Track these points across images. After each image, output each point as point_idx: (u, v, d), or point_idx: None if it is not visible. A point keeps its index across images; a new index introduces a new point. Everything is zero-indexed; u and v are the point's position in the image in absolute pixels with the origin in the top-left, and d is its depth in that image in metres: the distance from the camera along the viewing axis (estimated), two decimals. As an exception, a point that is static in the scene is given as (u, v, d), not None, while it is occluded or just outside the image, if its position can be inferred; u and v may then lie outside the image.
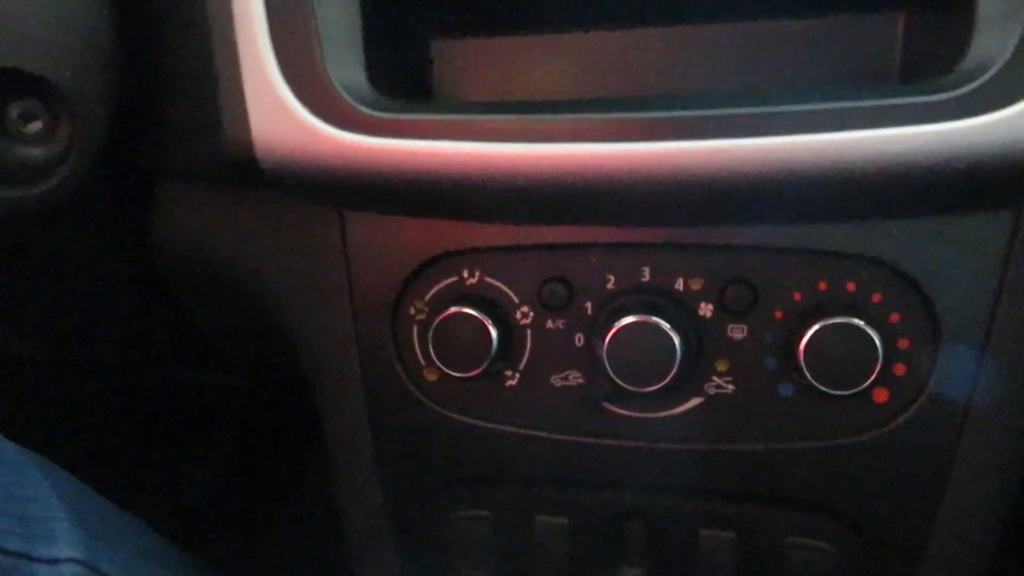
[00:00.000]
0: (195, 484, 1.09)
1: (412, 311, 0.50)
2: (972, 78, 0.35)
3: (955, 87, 0.36)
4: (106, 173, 0.54)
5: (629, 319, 0.44)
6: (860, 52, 0.46)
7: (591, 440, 0.48)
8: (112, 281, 0.60)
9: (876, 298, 0.44)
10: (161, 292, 0.60)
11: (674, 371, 0.44)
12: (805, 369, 0.43)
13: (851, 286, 0.44)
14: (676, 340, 0.44)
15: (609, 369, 0.44)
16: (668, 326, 0.44)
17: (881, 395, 0.45)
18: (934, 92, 0.36)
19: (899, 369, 0.44)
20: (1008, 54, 0.35)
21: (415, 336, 0.50)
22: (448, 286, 0.49)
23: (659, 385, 0.44)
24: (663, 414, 0.47)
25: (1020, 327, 0.43)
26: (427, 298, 0.49)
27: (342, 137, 0.41)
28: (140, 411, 0.99)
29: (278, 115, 0.42)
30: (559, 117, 0.40)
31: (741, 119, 0.39)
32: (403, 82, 0.49)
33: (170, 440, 1.09)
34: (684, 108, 0.40)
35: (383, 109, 0.42)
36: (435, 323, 0.47)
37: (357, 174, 0.42)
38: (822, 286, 0.45)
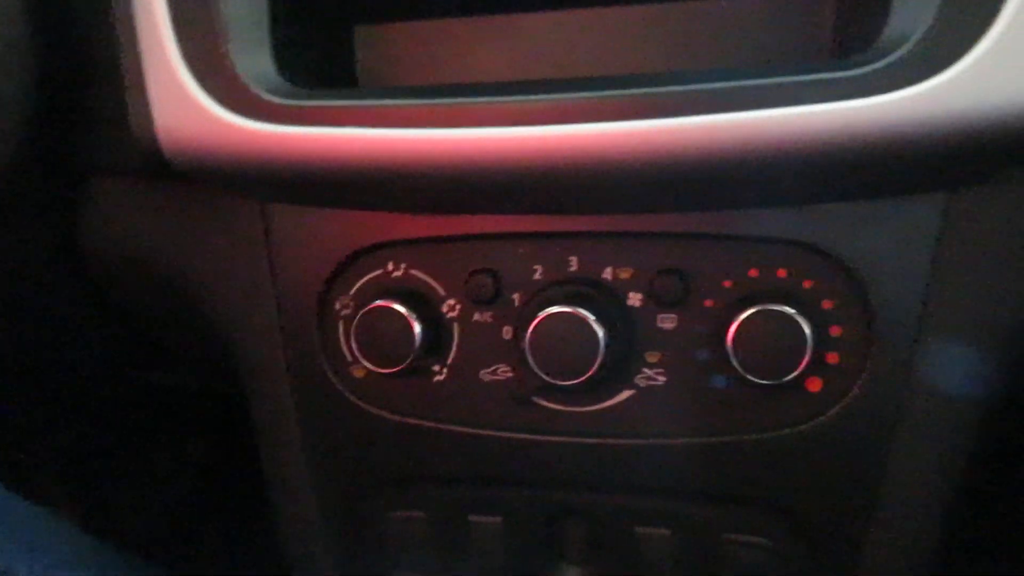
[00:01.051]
0: (169, 486, 1.08)
1: (338, 306, 0.48)
2: (885, 54, 0.34)
3: (868, 63, 0.34)
4: (33, 170, 0.53)
5: (551, 310, 0.42)
6: (794, 31, 0.45)
7: (522, 436, 0.47)
8: (48, 280, 0.58)
9: (808, 284, 0.43)
10: (97, 291, 0.59)
11: (598, 363, 0.42)
12: (733, 359, 0.42)
13: (782, 273, 0.43)
14: (600, 331, 0.42)
15: (532, 362, 0.43)
16: (592, 317, 0.42)
17: (815, 384, 0.43)
18: (847, 68, 0.34)
19: (832, 358, 0.43)
20: (922, 28, 0.33)
21: (341, 332, 0.48)
22: (374, 279, 0.48)
23: (584, 377, 0.42)
24: (594, 408, 0.46)
25: (954, 312, 0.41)
26: (353, 292, 0.48)
27: (245, 125, 0.40)
28: (111, 412, 0.98)
29: (180, 104, 0.41)
30: (468, 101, 0.39)
31: (658, 100, 0.37)
32: (324, 71, 0.48)
33: (142, 442, 1.07)
34: (601, 89, 0.38)
35: (287, 96, 0.40)
36: (357, 318, 0.46)
37: (262, 164, 0.41)
38: (753, 273, 0.43)
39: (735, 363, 0.42)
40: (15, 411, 0.83)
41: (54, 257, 0.56)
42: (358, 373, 0.49)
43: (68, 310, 0.60)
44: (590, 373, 0.42)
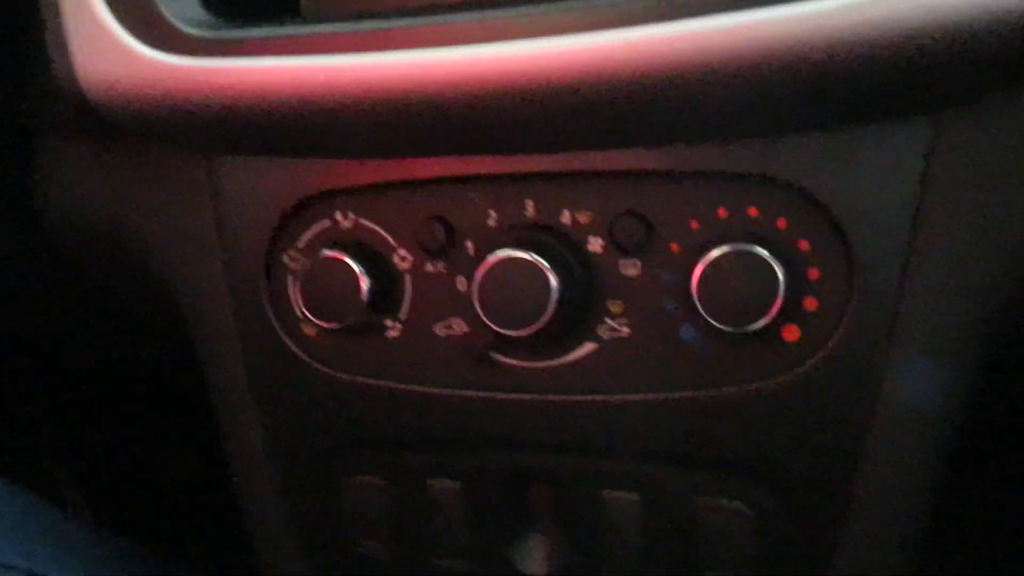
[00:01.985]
0: (168, 464, 1.07)
1: (287, 260, 0.46)
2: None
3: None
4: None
5: (499, 255, 0.39)
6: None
7: (480, 394, 0.44)
8: (5, 245, 0.57)
9: (782, 223, 0.39)
10: (60, 259, 0.57)
11: (551, 312, 0.39)
12: (699, 304, 0.38)
13: (753, 211, 0.39)
14: (552, 278, 0.39)
15: (481, 312, 0.40)
16: (544, 263, 0.39)
17: (791, 333, 0.40)
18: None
19: (810, 303, 0.39)
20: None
21: (291, 287, 0.46)
22: (323, 231, 0.45)
23: (536, 328, 0.39)
24: (555, 363, 0.43)
25: (943, 251, 0.37)
26: (301, 245, 0.45)
27: (165, 60, 0.37)
28: (98, 392, 0.97)
29: (99, 43, 0.38)
30: (394, 23, 0.35)
31: (600, 11, 0.34)
32: (267, 9, 0.45)
33: (144, 422, 1.07)
34: (540, 4, 0.35)
35: (208, 28, 0.37)
36: (302, 270, 0.43)
37: (187, 103, 0.38)
38: (721, 213, 0.40)
39: (701, 310, 0.38)
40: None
41: (10, 221, 0.55)
42: (309, 331, 0.46)
43: (30, 279, 0.59)
44: (543, 323, 0.39)
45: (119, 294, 0.60)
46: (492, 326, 0.40)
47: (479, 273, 0.39)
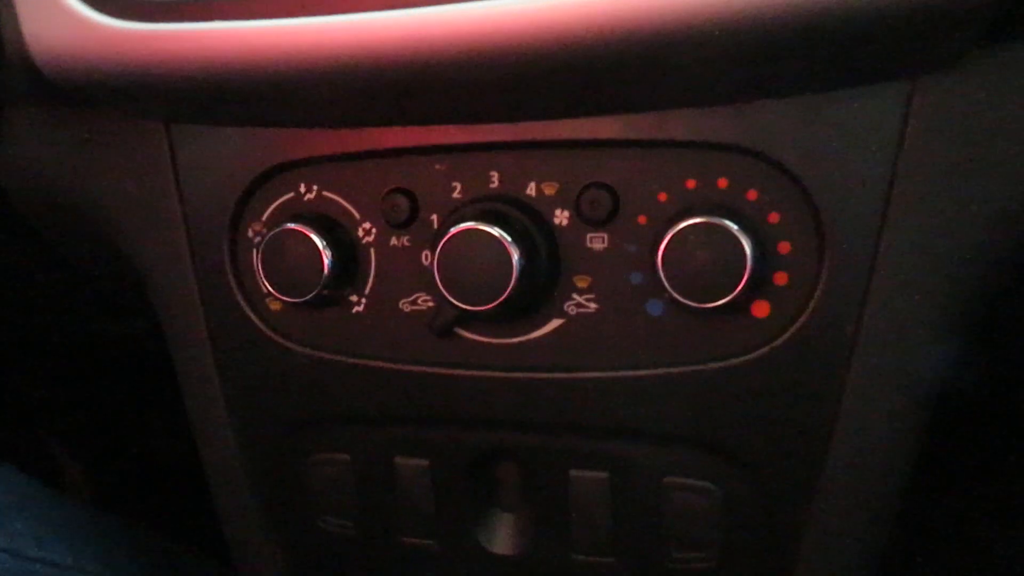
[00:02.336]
0: (165, 439, 1.07)
1: (251, 233, 0.45)
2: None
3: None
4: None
5: (459, 227, 0.38)
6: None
7: (446, 371, 0.43)
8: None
9: (752, 196, 0.38)
10: (25, 230, 0.56)
11: (512, 286, 0.38)
12: (664, 279, 0.37)
13: (723, 183, 0.38)
14: (514, 252, 0.38)
15: (441, 285, 0.39)
16: (506, 236, 0.38)
17: (761, 309, 0.39)
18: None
19: (780, 278, 0.38)
20: None
21: (255, 261, 0.45)
22: (286, 203, 0.44)
23: (496, 303, 0.38)
24: (521, 339, 0.42)
25: (916, 226, 0.36)
26: (264, 218, 0.44)
27: (110, 25, 0.36)
28: (86, 367, 0.97)
29: (48, 9, 0.37)
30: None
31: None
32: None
33: (136, 397, 1.07)
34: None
35: (155, -9, 0.36)
36: (263, 243, 0.42)
37: (134, 68, 0.37)
38: (690, 184, 0.38)
39: (666, 284, 0.37)
40: None
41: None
42: (274, 305, 0.45)
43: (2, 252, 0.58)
44: (504, 297, 0.38)
45: (86, 266, 0.59)
46: (453, 301, 0.39)
47: (439, 247, 0.38)
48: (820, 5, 0.31)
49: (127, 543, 0.58)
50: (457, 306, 0.39)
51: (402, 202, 0.42)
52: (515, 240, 0.38)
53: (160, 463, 1.03)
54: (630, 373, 0.41)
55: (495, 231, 0.38)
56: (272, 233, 0.42)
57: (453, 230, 0.38)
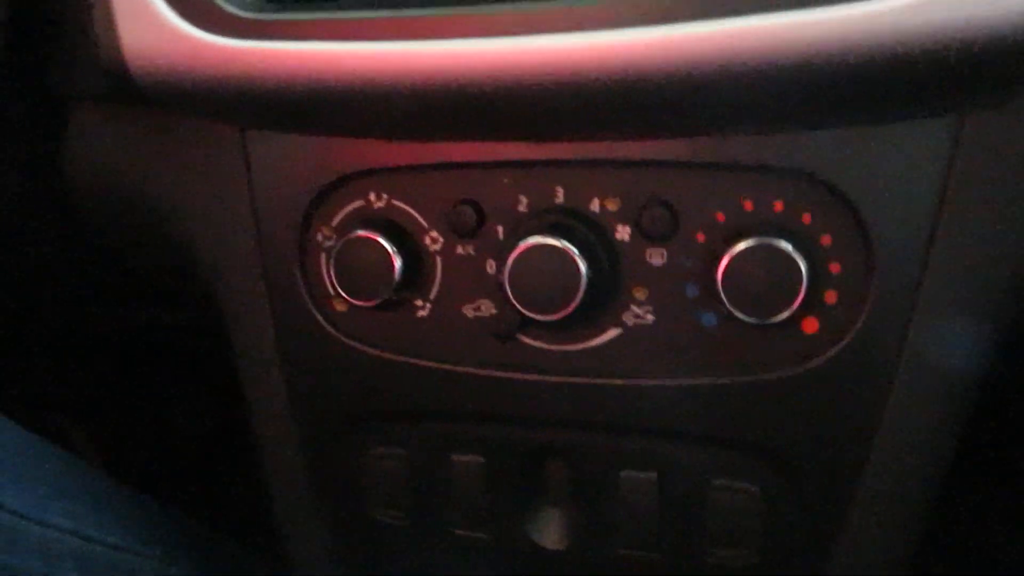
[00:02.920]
0: (188, 425, 1.09)
1: (320, 237, 0.47)
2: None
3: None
4: (12, 94, 0.52)
5: (531, 241, 0.40)
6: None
7: (506, 374, 0.45)
8: (32, 208, 0.58)
9: (806, 218, 0.40)
10: (82, 222, 0.58)
11: (580, 297, 0.40)
12: (723, 295, 0.40)
13: (779, 205, 0.40)
14: (582, 264, 0.40)
15: (512, 295, 0.41)
16: (575, 249, 0.40)
17: (811, 325, 0.41)
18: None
19: (830, 297, 0.41)
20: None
21: (323, 264, 0.47)
22: (356, 210, 0.46)
23: (564, 312, 0.41)
24: (580, 346, 0.44)
25: (961, 252, 0.38)
26: (335, 223, 0.46)
27: (209, 41, 0.38)
28: (112, 351, 0.99)
29: (146, 21, 0.39)
30: (434, 12, 0.36)
31: (636, 7, 0.34)
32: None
33: (159, 384, 1.09)
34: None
35: (252, 10, 0.38)
36: (337, 247, 0.44)
37: (228, 82, 0.39)
38: (747, 205, 0.41)
39: (725, 300, 0.40)
40: (19, 351, 0.84)
41: (38, 184, 0.56)
42: (340, 307, 0.47)
43: (54, 240, 0.60)
44: (571, 308, 0.41)
45: (141, 261, 0.61)
46: (522, 309, 0.41)
47: (511, 258, 0.41)
48: (874, 52, 0.33)
49: (177, 528, 0.60)
50: (525, 315, 0.41)
51: (469, 213, 0.44)
52: (582, 253, 0.40)
53: (178, 455, 1.06)
54: (683, 381, 0.43)
55: (565, 245, 0.40)
56: (345, 239, 0.44)
57: (524, 243, 0.41)
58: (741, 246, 0.39)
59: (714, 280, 0.40)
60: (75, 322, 0.79)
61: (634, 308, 0.43)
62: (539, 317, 0.41)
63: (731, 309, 0.39)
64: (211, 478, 1.05)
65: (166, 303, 0.71)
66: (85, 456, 1.06)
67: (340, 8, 0.38)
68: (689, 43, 0.35)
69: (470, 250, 0.45)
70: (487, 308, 0.45)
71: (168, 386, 1.06)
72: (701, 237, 0.42)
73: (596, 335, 0.44)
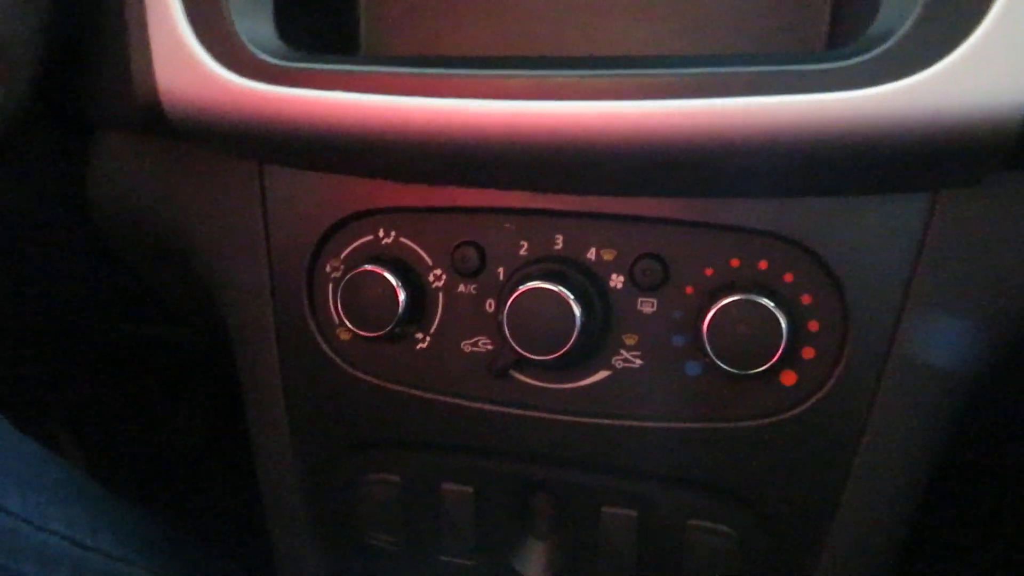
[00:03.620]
0: (174, 439, 1.10)
1: (328, 269, 0.49)
2: (871, 48, 0.34)
3: (852, 56, 0.34)
4: (43, 118, 0.54)
5: (530, 285, 0.43)
6: (790, 22, 0.44)
7: (499, 408, 0.47)
8: (54, 227, 0.60)
9: (788, 278, 0.43)
10: (101, 242, 0.60)
11: (573, 340, 0.43)
12: (708, 346, 0.42)
13: (763, 264, 0.43)
14: (577, 309, 0.43)
15: (509, 335, 0.44)
16: (570, 295, 0.43)
17: (789, 378, 0.44)
18: (831, 60, 0.34)
19: (808, 352, 0.43)
20: (909, 23, 0.33)
21: (330, 294, 0.49)
22: (364, 245, 0.48)
23: (558, 354, 0.43)
24: (570, 386, 0.47)
25: (931, 316, 0.41)
26: (343, 256, 0.49)
27: (240, 84, 0.41)
28: (119, 365, 1.00)
29: (181, 62, 0.42)
30: (453, 72, 0.39)
31: (639, 82, 0.37)
32: (327, 38, 0.49)
33: (149, 395, 1.10)
34: (587, 69, 0.39)
35: (282, 58, 0.41)
36: (344, 280, 0.47)
37: (255, 123, 0.42)
38: (734, 263, 0.43)
39: (709, 350, 0.42)
40: (19, 357, 0.86)
41: (62, 205, 0.58)
42: (344, 336, 0.50)
43: (72, 258, 0.62)
44: (564, 350, 0.43)
45: (154, 280, 0.63)
46: (518, 348, 0.44)
47: (510, 300, 0.43)
48: (852, 134, 0.36)
49: (168, 540, 0.62)
50: (521, 354, 0.44)
51: (472, 254, 0.47)
52: (577, 299, 0.43)
53: (167, 468, 1.07)
54: (666, 425, 0.45)
55: (561, 290, 0.43)
56: (353, 272, 0.46)
57: (524, 287, 0.43)
58: (726, 300, 0.42)
59: (700, 331, 0.42)
60: (78, 331, 0.81)
61: (623, 352, 0.46)
62: (534, 357, 0.44)
63: (714, 359, 0.42)
64: (201, 493, 1.07)
65: (172, 321, 0.73)
66: (73, 463, 1.07)
67: (363, 63, 0.41)
68: (687, 118, 0.37)
69: (471, 289, 0.47)
70: (484, 345, 0.47)
71: (161, 399, 1.08)
72: (690, 290, 0.44)
73: (586, 376, 0.46)
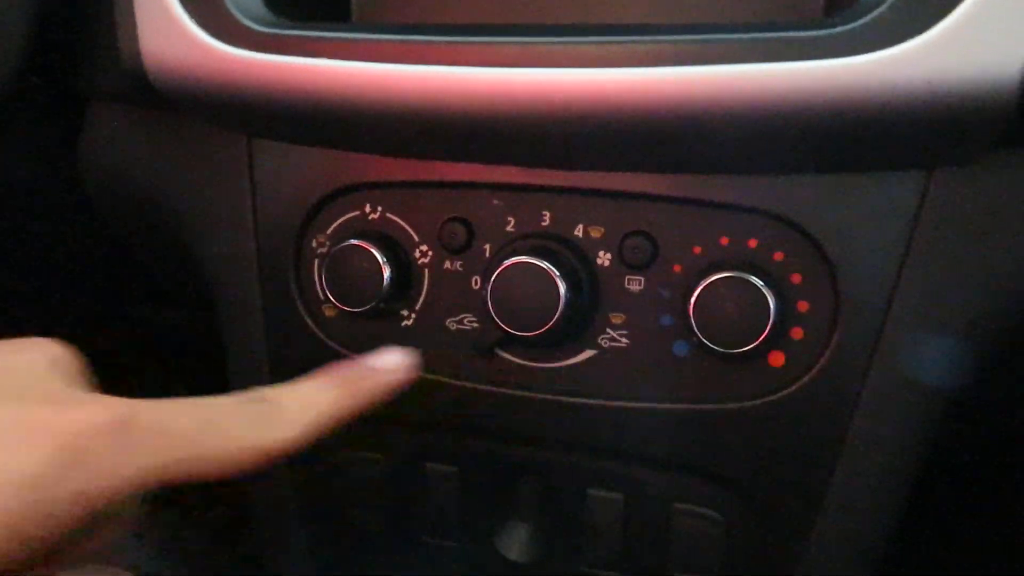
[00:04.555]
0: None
1: (315, 244, 0.49)
2: (862, 15, 0.33)
3: (843, 23, 0.33)
4: (35, 89, 0.54)
5: (514, 260, 0.42)
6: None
7: (483, 387, 0.47)
8: (46, 198, 0.60)
9: (778, 257, 0.42)
10: (93, 216, 0.60)
11: (557, 317, 0.42)
12: (694, 324, 0.41)
13: (753, 243, 0.42)
14: (562, 286, 0.42)
15: (493, 311, 0.43)
16: (556, 271, 0.42)
17: (777, 359, 0.43)
18: (822, 28, 0.34)
19: (796, 333, 0.42)
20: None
21: (316, 270, 0.49)
22: (351, 220, 0.48)
23: (542, 330, 0.42)
24: (555, 364, 0.46)
25: (923, 298, 0.40)
26: (329, 232, 0.48)
27: (225, 51, 0.40)
28: (111, 345, 1.00)
29: (166, 28, 0.41)
30: (438, 39, 0.38)
31: (628, 49, 0.37)
32: (319, 8, 0.48)
33: (140, 378, 1.10)
34: (574, 36, 0.38)
35: (268, 25, 0.40)
36: (329, 254, 0.46)
37: (240, 91, 0.41)
38: (723, 241, 0.43)
39: (696, 329, 0.41)
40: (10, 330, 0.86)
41: (52, 174, 0.58)
42: (329, 312, 0.49)
43: (65, 230, 0.62)
44: (548, 327, 0.42)
45: (144, 255, 0.63)
46: (502, 325, 0.43)
47: (494, 275, 0.43)
48: (844, 104, 0.35)
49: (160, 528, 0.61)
50: (505, 331, 0.43)
51: (459, 230, 0.46)
52: (563, 275, 0.42)
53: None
54: (652, 406, 0.45)
55: (546, 265, 0.42)
56: (338, 247, 0.46)
57: (508, 261, 0.42)
58: (714, 277, 0.41)
59: (687, 310, 0.42)
60: (68, 312, 0.81)
61: (610, 331, 0.45)
62: (518, 333, 0.43)
63: (701, 338, 0.41)
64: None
65: (163, 300, 0.73)
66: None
67: (352, 29, 0.40)
68: (674, 86, 0.37)
69: (457, 266, 0.47)
70: (469, 322, 0.47)
71: (153, 386, 1.08)
72: (678, 268, 0.43)
73: (571, 355, 0.45)
